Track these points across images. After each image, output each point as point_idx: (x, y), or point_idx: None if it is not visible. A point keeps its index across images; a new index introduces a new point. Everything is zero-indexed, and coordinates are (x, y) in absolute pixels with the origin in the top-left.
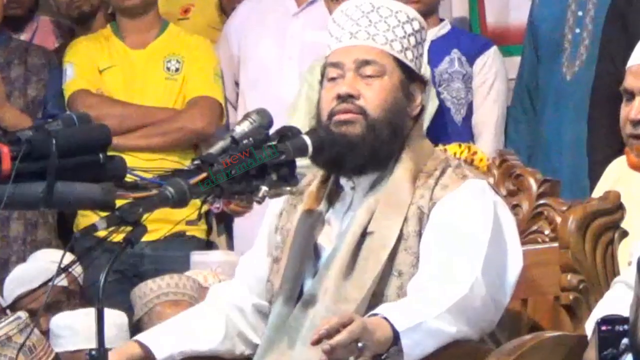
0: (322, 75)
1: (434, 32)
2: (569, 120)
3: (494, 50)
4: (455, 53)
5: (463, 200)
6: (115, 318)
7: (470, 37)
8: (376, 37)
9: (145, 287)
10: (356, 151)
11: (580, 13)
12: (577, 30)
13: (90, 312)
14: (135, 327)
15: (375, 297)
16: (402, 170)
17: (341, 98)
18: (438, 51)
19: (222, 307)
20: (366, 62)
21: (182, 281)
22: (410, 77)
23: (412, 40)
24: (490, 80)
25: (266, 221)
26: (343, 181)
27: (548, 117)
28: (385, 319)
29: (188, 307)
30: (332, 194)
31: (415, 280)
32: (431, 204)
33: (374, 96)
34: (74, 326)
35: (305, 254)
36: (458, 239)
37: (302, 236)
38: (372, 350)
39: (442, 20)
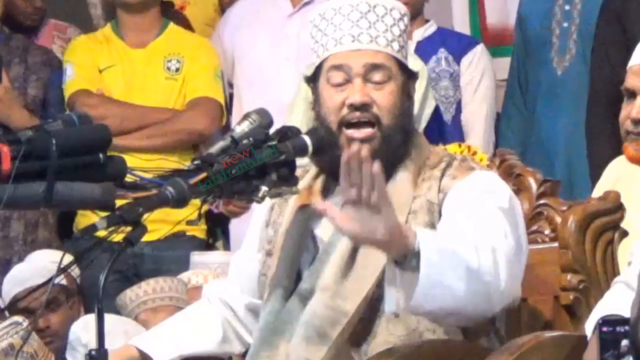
0: (314, 75)
1: (420, 33)
2: (562, 114)
3: (480, 48)
4: (441, 52)
5: (474, 186)
6: (126, 326)
7: (456, 36)
8: (378, 39)
9: (125, 297)
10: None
11: (567, 7)
12: (565, 25)
13: (110, 318)
14: None
15: (378, 289)
16: (404, 166)
17: (354, 107)
18: (425, 51)
19: (217, 307)
20: (375, 67)
21: (159, 285)
22: (408, 75)
23: (405, 37)
24: (478, 78)
25: (256, 217)
26: None
27: (540, 112)
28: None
29: (172, 310)
30: (328, 186)
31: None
32: (441, 195)
33: (385, 103)
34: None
35: (302, 247)
36: (476, 215)
37: (297, 229)
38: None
39: (427, 21)
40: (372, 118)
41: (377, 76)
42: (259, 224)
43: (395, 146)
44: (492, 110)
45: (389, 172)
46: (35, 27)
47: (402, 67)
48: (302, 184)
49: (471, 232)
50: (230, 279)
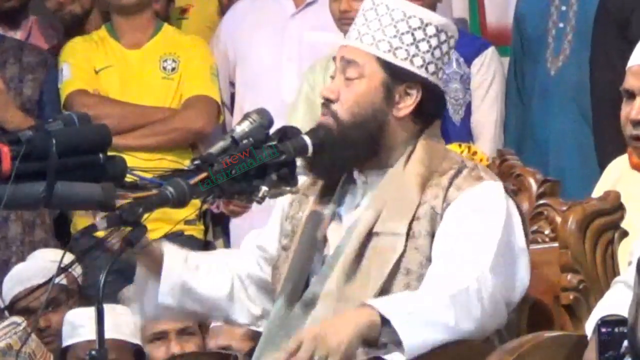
0: None
1: None
2: (555, 114)
3: (491, 50)
4: (453, 54)
5: (476, 200)
6: (133, 315)
7: (468, 38)
8: (365, 37)
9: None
10: (325, 152)
11: (563, 8)
12: (561, 25)
13: (110, 306)
14: None
15: (382, 294)
16: (411, 170)
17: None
18: None
19: (230, 269)
20: (348, 62)
21: None
22: (398, 77)
23: (407, 38)
24: (488, 81)
25: (279, 206)
26: (355, 174)
27: (534, 111)
28: (371, 307)
29: None
30: (344, 187)
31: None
32: (445, 205)
33: (348, 99)
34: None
35: (313, 248)
36: (468, 237)
37: (311, 229)
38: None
39: None
40: (329, 114)
41: (349, 72)
42: (280, 214)
43: (352, 143)
44: (502, 113)
45: (351, 165)
46: (20, 9)
47: (388, 67)
48: (321, 182)
49: (451, 277)
50: (244, 250)
